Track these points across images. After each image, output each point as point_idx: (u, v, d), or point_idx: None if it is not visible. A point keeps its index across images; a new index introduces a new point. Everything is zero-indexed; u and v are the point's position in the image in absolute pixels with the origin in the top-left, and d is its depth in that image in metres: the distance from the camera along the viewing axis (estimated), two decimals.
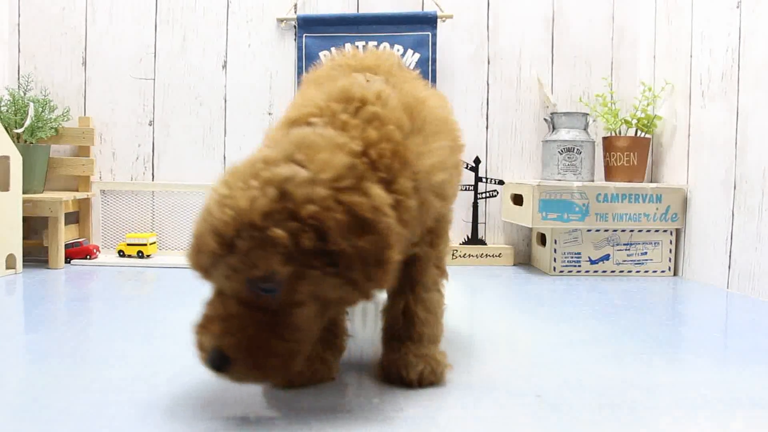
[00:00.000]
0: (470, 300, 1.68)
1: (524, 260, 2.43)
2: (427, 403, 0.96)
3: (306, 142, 0.87)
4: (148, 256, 2.26)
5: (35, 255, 2.32)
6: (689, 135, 2.14)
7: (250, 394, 0.97)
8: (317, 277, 0.82)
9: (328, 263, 0.82)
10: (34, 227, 2.33)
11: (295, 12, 2.36)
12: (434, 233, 1.09)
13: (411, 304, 1.07)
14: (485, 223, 2.43)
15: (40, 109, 2.17)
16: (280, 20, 2.36)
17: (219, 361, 0.82)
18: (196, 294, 1.79)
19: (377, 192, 0.86)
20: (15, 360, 1.15)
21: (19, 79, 2.29)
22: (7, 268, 1.95)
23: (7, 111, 2.14)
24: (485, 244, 2.40)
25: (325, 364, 1.04)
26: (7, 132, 2.12)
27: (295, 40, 2.36)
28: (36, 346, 1.22)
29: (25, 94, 2.20)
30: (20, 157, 1.97)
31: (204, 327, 0.84)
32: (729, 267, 1.92)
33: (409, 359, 1.04)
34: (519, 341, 1.34)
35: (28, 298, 1.66)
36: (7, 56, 2.31)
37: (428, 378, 1.03)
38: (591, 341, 1.34)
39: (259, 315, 0.83)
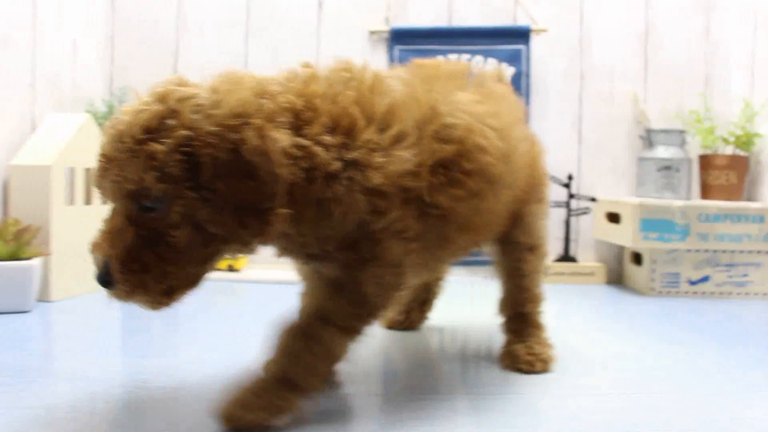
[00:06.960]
0: (566, 321, 1.65)
1: (615, 279, 2.39)
2: None
3: (235, 78, 0.85)
4: (237, 269, 2.24)
5: None
6: None
7: None
8: (193, 204, 0.79)
9: (205, 194, 0.79)
10: None
11: (387, 24, 2.34)
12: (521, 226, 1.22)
13: (524, 302, 1.25)
14: (576, 241, 2.40)
15: None
16: (373, 32, 2.33)
17: (106, 275, 0.81)
18: (276, 310, 1.70)
19: (277, 136, 0.80)
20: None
21: (113, 91, 2.27)
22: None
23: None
24: (576, 261, 2.36)
25: (420, 313, 1.29)
26: None
27: (387, 52, 2.34)
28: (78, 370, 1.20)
29: (121, 105, 2.17)
30: None
31: (96, 243, 0.83)
32: None
33: (526, 358, 1.20)
34: (623, 370, 1.30)
35: (123, 314, 1.64)
36: (100, 70, 2.29)
37: (543, 368, 1.21)
38: (713, 371, 1.30)
39: (141, 231, 0.80)
